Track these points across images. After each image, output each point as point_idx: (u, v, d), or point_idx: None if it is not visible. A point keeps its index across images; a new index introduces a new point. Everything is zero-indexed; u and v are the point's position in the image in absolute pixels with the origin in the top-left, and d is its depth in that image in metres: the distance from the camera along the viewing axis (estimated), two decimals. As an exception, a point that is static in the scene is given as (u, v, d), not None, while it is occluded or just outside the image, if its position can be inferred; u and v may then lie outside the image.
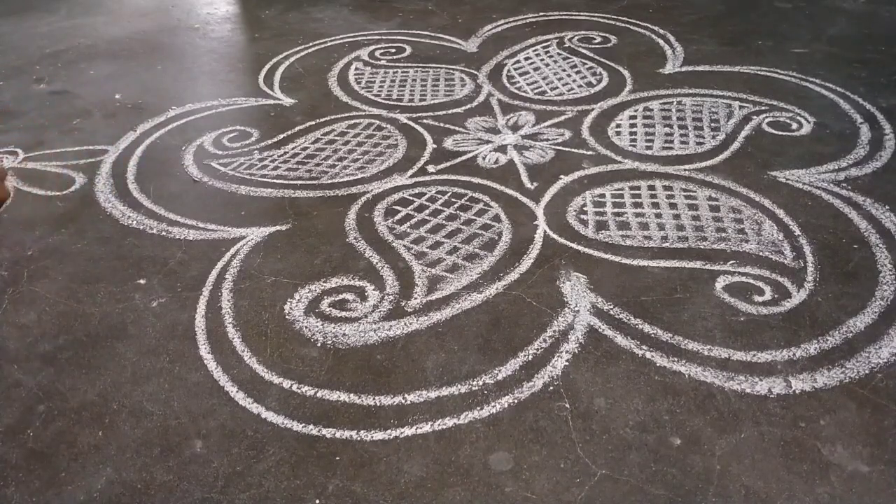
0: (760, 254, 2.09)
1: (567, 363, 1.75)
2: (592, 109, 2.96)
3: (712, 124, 2.80)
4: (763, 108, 2.90)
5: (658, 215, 2.27)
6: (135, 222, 2.35)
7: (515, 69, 3.36)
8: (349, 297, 1.99)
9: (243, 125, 2.94)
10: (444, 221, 2.28)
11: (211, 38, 3.90)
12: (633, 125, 2.82)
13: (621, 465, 1.51)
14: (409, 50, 3.61)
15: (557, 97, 3.08)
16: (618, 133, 2.77)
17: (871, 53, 3.34)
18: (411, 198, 2.41)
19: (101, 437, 1.61)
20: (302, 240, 2.24)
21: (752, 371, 1.71)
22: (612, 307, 1.91)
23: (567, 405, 1.65)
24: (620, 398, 1.66)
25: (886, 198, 2.31)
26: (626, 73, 3.26)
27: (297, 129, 2.90)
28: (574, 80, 3.22)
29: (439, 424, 1.61)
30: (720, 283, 1.99)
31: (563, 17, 3.97)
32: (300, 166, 2.63)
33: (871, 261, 2.06)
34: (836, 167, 2.49)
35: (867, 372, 1.70)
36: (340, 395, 1.70)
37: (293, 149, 2.75)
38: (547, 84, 3.20)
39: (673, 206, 2.32)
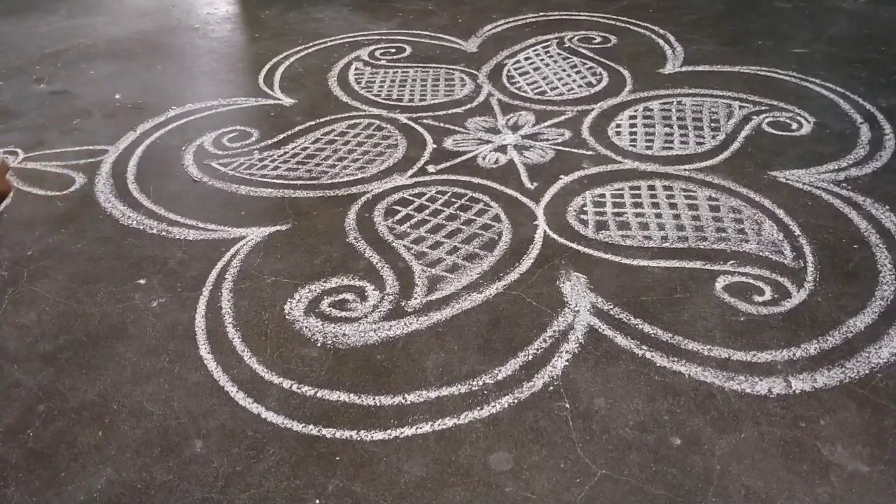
0: (760, 254, 2.09)
1: (567, 363, 1.75)
2: (592, 109, 2.96)
3: (712, 124, 2.80)
4: (763, 108, 2.90)
5: (658, 215, 2.27)
6: (135, 222, 2.35)
7: (515, 69, 3.36)
8: (349, 297, 1.99)
9: (243, 125, 2.94)
10: (444, 221, 2.28)
11: (211, 38, 3.90)
12: (633, 125, 2.82)
13: (621, 465, 1.51)
14: (409, 50, 3.61)
15: (557, 97, 3.08)
16: (618, 133, 2.77)
17: (871, 53, 3.34)
18: (411, 198, 2.41)
19: (101, 437, 1.61)
20: (302, 240, 2.24)
21: (752, 371, 1.71)
22: (612, 307, 1.91)
23: (567, 405, 1.65)
24: (620, 398, 1.66)
25: (886, 198, 2.31)
26: (626, 73, 3.26)
27: (297, 129, 2.90)
28: (574, 80, 3.22)
29: (439, 424, 1.61)
30: (720, 283, 1.99)
31: (563, 17, 3.97)
32: (300, 166, 2.63)
33: (871, 261, 2.06)
34: (836, 167, 2.49)
35: (867, 372, 1.70)
36: (340, 395, 1.70)
37: (293, 149, 2.75)
38: (547, 84, 3.20)
39: (673, 206, 2.32)
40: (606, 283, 2.00)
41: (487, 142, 2.75)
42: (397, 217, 2.32)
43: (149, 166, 2.67)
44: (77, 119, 3.03)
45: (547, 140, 2.75)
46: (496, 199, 2.39)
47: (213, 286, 2.05)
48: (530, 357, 1.77)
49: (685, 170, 2.52)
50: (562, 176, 2.51)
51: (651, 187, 2.42)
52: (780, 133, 2.72)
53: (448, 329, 1.87)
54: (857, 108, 2.87)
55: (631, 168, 2.54)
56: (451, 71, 3.36)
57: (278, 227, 2.30)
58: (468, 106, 3.03)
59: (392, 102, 3.09)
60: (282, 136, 2.84)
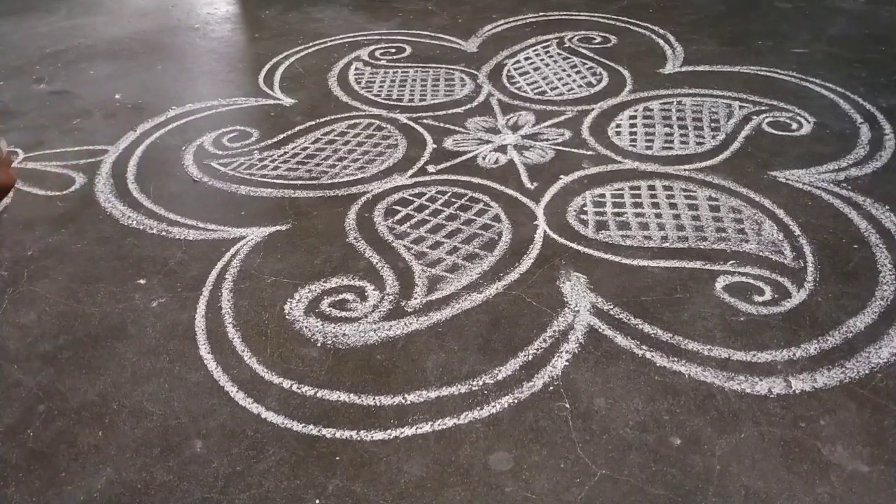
0: (760, 254, 2.09)
1: (567, 363, 1.75)
2: (592, 109, 2.96)
3: (712, 124, 2.80)
4: (763, 108, 2.90)
5: (658, 215, 2.27)
6: (135, 222, 2.35)
7: (515, 69, 3.36)
8: (349, 297, 1.99)
9: (243, 125, 2.94)
10: (444, 221, 2.28)
11: (211, 38, 3.90)
12: (633, 125, 2.82)
13: (621, 465, 1.51)
14: (409, 50, 3.61)
15: (557, 97, 3.08)
16: (618, 133, 2.77)
17: (871, 53, 3.34)
18: (411, 198, 2.41)
19: (101, 437, 1.61)
20: (302, 240, 2.24)
21: (752, 371, 1.71)
22: (612, 307, 1.91)
23: (567, 405, 1.65)
24: (620, 398, 1.66)
25: (886, 198, 2.31)
26: (626, 73, 3.26)
27: (297, 129, 2.90)
28: (574, 80, 3.22)
29: (439, 424, 1.61)
30: (720, 283, 1.99)
31: (563, 17, 3.97)
32: (300, 166, 2.63)
33: (871, 261, 2.06)
34: (836, 167, 2.49)
35: (867, 372, 1.70)
36: (340, 395, 1.70)
37: (293, 149, 2.75)
38: (547, 84, 3.20)
39: (673, 206, 2.32)
40: (606, 283, 2.00)
41: (487, 142, 2.75)
42: (397, 217, 2.32)
43: (149, 166, 2.67)
44: (77, 119, 3.03)
45: (547, 140, 2.75)
46: (496, 199, 2.39)
47: (213, 286, 2.05)
48: (530, 357, 1.77)
49: (685, 170, 2.52)
50: (562, 176, 2.51)
51: (651, 187, 2.42)
52: (780, 133, 2.72)
53: (448, 329, 1.87)
54: (857, 108, 2.87)
55: (631, 168, 2.54)
56: (451, 71, 3.36)
57: (278, 227, 2.30)
58: (468, 106, 3.03)
59: (392, 102, 3.09)
60: (282, 136, 2.84)
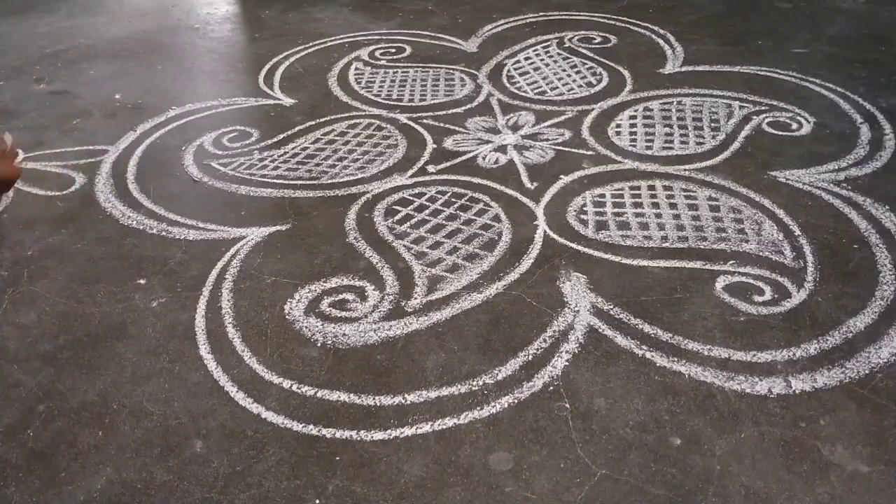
0: (760, 254, 2.09)
1: (567, 363, 1.75)
2: (592, 109, 2.96)
3: (712, 124, 2.80)
4: (763, 108, 2.90)
5: (658, 215, 2.27)
6: (135, 222, 2.35)
7: (515, 69, 3.36)
8: (349, 297, 1.99)
9: (243, 125, 2.94)
10: (444, 221, 2.28)
11: (211, 38, 3.90)
12: (633, 125, 2.82)
13: (621, 465, 1.51)
14: (409, 50, 3.61)
15: (557, 97, 3.08)
16: (618, 133, 2.77)
17: (871, 53, 3.34)
18: (411, 198, 2.41)
19: (101, 437, 1.61)
20: (302, 240, 2.24)
21: (752, 371, 1.71)
22: (612, 307, 1.91)
23: (567, 405, 1.65)
24: (620, 398, 1.66)
25: (886, 198, 2.31)
26: (626, 73, 3.26)
27: (297, 129, 2.90)
28: (574, 80, 3.22)
29: (439, 424, 1.61)
30: (720, 283, 1.99)
31: (563, 17, 3.97)
32: (300, 166, 2.63)
33: (871, 261, 2.06)
34: (836, 167, 2.49)
35: (867, 372, 1.70)
36: (340, 395, 1.70)
37: (293, 149, 2.75)
38: (547, 84, 3.20)
39: (673, 206, 2.32)
40: (606, 283, 2.00)
41: (487, 142, 2.75)
42: (397, 217, 2.32)
43: (149, 166, 2.67)
44: (77, 119, 3.03)
45: (547, 140, 2.75)
46: (496, 199, 2.39)
47: (213, 286, 2.05)
48: (530, 357, 1.77)
49: (685, 170, 2.52)
50: (562, 176, 2.51)
51: (651, 187, 2.42)
52: (780, 133, 2.72)
53: (448, 329, 1.87)
54: (857, 108, 2.87)
55: (631, 168, 2.54)
56: (451, 71, 3.36)
57: (278, 227, 2.30)
58: (468, 106, 3.03)
59: (392, 102, 3.09)
60: (282, 136, 2.84)
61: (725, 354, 1.76)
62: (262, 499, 1.47)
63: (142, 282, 2.08)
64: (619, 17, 3.89)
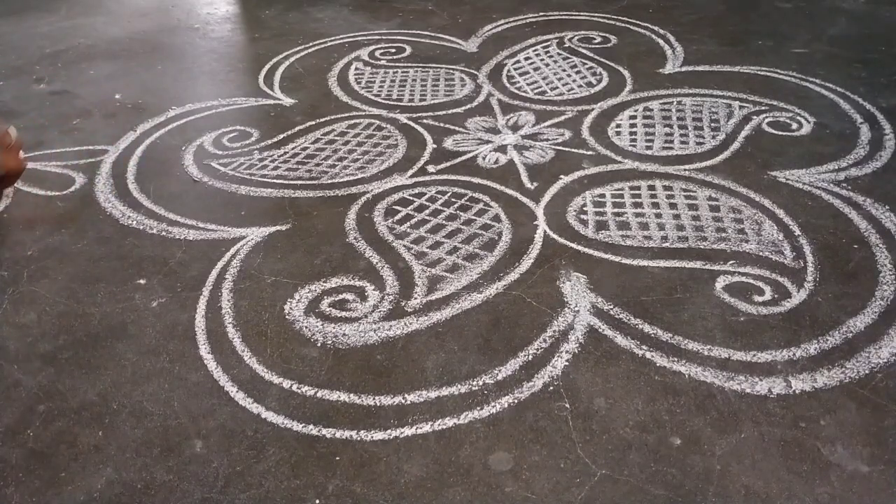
0: (760, 254, 2.09)
1: (567, 363, 1.75)
2: (592, 109, 2.96)
3: (712, 124, 2.80)
4: (763, 108, 2.90)
5: (658, 215, 2.27)
6: (135, 222, 2.35)
7: (515, 69, 3.36)
8: (349, 297, 1.99)
9: (243, 125, 2.94)
10: (444, 221, 2.28)
11: (211, 38, 3.90)
12: (633, 125, 2.82)
13: (621, 465, 1.51)
14: (409, 50, 3.61)
15: (557, 97, 3.08)
16: (618, 133, 2.77)
17: (871, 53, 3.34)
18: (411, 198, 2.41)
19: (101, 437, 1.61)
20: (302, 240, 2.24)
21: (752, 371, 1.71)
22: (612, 307, 1.91)
23: (567, 405, 1.65)
24: (620, 398, 1.66)
25: (886, 198, 2.31)
26: (626, 73, 3.26)
27: (297, 129, 2.90)
28: (574, 80, 3.22)
29: (439, 424, 1.61)
30: (720, 283, 1.99)
31: (563, 17, 3.97)
32: (300, 166, 2.63)
33: (871, 261, 2.06)
34: (836, 167, 2.49)
35: (867, 372, 1.70)
36: (340, 395, 1.70)
37: (293, 149, 2.75)
38: (547, 84, 3.20)
39: (673, 206, 2.32)
40: (606, 283, 2.00)
41: (487, 142, 2.75)
42: (397, 217, 2.32)
43: (149, 166, 2.67)
44: (77, 119, 3.03)
45: (547, 140, 2.75)
46: (496, 199, 2.39)
47: (213, 286, 2.05)
48: (530, 357, 1.77)
49: (685, 170, 2.52)
50: (562, 176, 2.51)
51: (651, 187, 2.42)
52: (780, 133, 2.72)
53: (448, 329, 1.87)
54: (857, 108, 2.87)
55: (631, 168, 2.54)
56: (451, 71, 3.36)
57: (278, 227, 2.30)
58: (468, 106, 3.03)
59: (392, 102, 3.09)
60: (282, 136, 2.84)
61: (725, 354, 1.76)
62: (262, 499, 1.47)
63: (142, 282, 2.08)
64: (619, 17, 3.89)
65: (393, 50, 3.61)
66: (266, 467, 1.53)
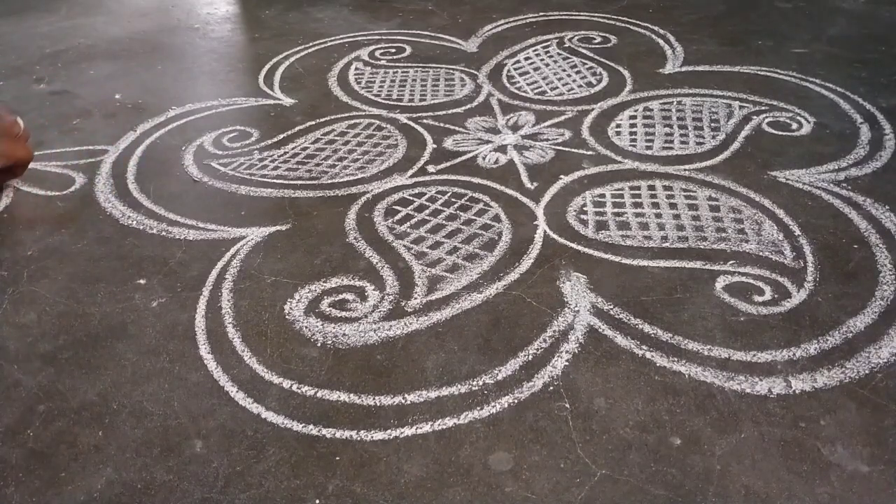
0: (760, 254, 2.09)
1: (567, 363, 1.75)
2: (592, 109, 2.96)
3: (712, 124, 2.80)
4: (763, 108, 2.90)
5: (658, 215, 2.27)
6: (135, 222, 2.35)
7: (515, 69, 3.36)
8: (349, 297, 1.99)
9: (243, 125, 2.94)
10: (444, 221, 2.28)
11: (211, 38, 3.90)
12: (633, 125, 2.82)
13: (621, 465, 1.51)
14: (409, 50, 3.61)
15: (557, 97, 3.08)
16: (618, 133, 2.77)
17: (871, 53, 3.34)
18: (411, 198, 2.41)
19: (101, 437, 1.61)
20: (302, 240, 2.24)
21: (752, 371, 1.71)
22: (612, 307, 1.91)
23: (567, 405, 1.65)
24: (620, 398, 1.66)
25: (886, 198, 2.31)
26: (626, 73, 3.26)
27: (297, 129, 2.90)
28: (574, 80, 3.22)
29: (439, 424, 1.61)
30: (720, 283, 1.99)
31: (563, 17, 3.97)
32: (300, 166, 2.63)
33: (871, 261, 2.06)
34: (836, 167, 2.49)
35: (867, 372, 1.70)
36: (340, 395, 1.70)
37: (293, 149, 2.75)
38: (547, 84, 3.20)
39: (673, 206, 2.32)
40: (606, 283, 2.00)
41: (487, 142, 2.75)
42: (397, 217, 2.32)
43: (149, 166, 2.67)
44: (77, 119, 3.03)
45: (547, 140, 2.75)
46: (496, 199, 2.39)
47: (213, 286, 2.05)
48: (530, 357, 1.77)
49: (685, 170, 2.52)
50: (562, 176, 2.51)
51: (651, 187, 2.42)
52: (780, 133, 2.72)
53: (448, 329, 1.87)
54: (857, 108, 2.87)
55: (631, 168, 2.54)
56: (451, 71, 3.36)
57: (278, 227, 2.30)
58: (468, 106, 3.03)
59: (392, 102, 3.09)
60: (282, 136, 2.84)
61: (725, 354, 1.76)
62: (262, 499, 1.47)
63: (142, 282, 2.08)
64: (619, 17, 3.89)
65: (393, 50, 3.61)
66: (266, 467, 1.53)
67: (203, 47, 3.79)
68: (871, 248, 2.11)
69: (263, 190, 2.50)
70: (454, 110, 3.00)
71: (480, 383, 1.71)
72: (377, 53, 3.58)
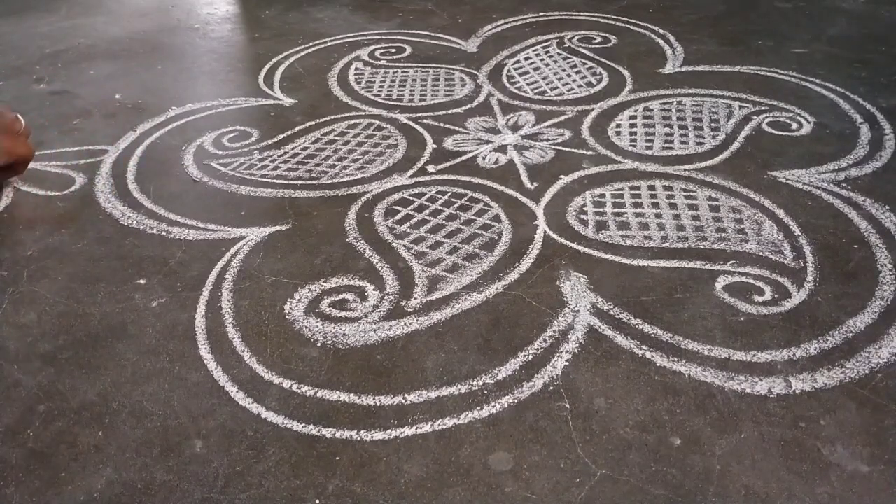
0: (760, 254, 2.09)
1: (567, 363, 1.75)
2: (592, 109, 2.96)
3: (712, 124, 2.80)
4: (763, 108, 2.90)
5: (658, 215, 2.27)
6: (135, 222, 2.35)
7: (515, 69, 3.36)
8: (349, 297, 1.99)
9: (243, 125, 2.94)
10: (444, 221, 2.28)
11: (211, 38, 3.90)
12: (633, 125, 2.82)
13: (621, 465, 1.51)
14: (409, 50, 3.61)
15: (557, 97, 3.08)
16: (618, 133, 2.77)
17: (871, 53, 3.34)
18: (411, 198, 2.41)
19: (101, 437, 1.61)
20: (302, 240, 2.24)
21: (752, 371, 1.71)
22: (612, 307, 1.91)
23: (567, 405, 1.65)
24: (620, 398, 1.66)
25: (886, 198, 2.31)
26: (626, 73, 3.26)
27: (297, 129, 2.90)
28: (574, 80, 3.22)
29: (439, 424, 1.61)
30: (720, 283, 1.99)
31: (563, 17, 3.97)
32: (300, 166, 2.63)
33: (871, 261, 2.06)
34: (836, 167, 2.49)
35: (867, 372, 1.70)
36: (340, 395, 1.70)
37: (293, 149, 2.75)
38: (547, 84, 3.20)
39: (673, 206, 2.32)
40: (606, 283, 2.00)
41: (487, 142, 2.75)
42: (397, 217, 2.32)
43: (149, 166, 2.67)
44: (77, 119, 3.03)
45: (547, 140, 2.75)
46: (496, 199, 2.39)
47: (213, 286, 2.05)
48: (530, 357, 1.77)
49: (685, 170, 2.52)
50: (562, 176, 2.51)
51: (651, 187, 2.42)
52: (780, 133, 2.72)
53: (448, 329, 1.87)
54: (857, 108, 2.87)
55: (631, 168, 2.54)
56: (451, 71, 3.36)
57: (278, 227, 2.30)
58: (468, 106, 3.03)
59: (392, 102, 3.09)
60: (282, 136, 2.84)
61: (725, 354, 1.76)
62: (262, 499, 1.47)
63: (142, 282, 2.08)
64: (619, 17, 3.89)
65: (393, 50, 3.61)
66: (266, 467, 1.53)
67: (203, 47, 3.79)
68: (871, 248, 2.11)
69: (263, 190, 2.50)
70: (454, 110, 3.00)
71: (480, 383, 1.71)
72: (377, 53, 3.59)
